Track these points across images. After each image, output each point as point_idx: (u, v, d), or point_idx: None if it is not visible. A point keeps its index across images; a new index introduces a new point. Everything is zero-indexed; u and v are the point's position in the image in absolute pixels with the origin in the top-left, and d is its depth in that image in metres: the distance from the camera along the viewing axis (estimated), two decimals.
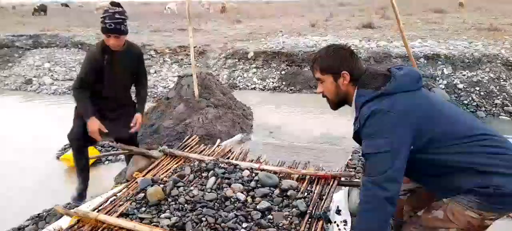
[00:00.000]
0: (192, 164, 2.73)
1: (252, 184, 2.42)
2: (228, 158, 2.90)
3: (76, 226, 2.10)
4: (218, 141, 3.40)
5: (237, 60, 8.88)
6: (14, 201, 3.40)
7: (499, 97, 6.27)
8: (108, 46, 2.88)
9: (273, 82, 8.01)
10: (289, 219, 2.09)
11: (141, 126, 3.34)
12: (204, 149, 3.12)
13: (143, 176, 2.66)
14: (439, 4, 18.30)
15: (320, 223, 2.09)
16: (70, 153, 4.28)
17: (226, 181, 2.45)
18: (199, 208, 2.13)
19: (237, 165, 2.69)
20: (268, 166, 2.74)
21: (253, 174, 2.54)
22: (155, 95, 7.67)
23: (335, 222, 2.29)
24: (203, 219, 2.03)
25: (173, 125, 4.91)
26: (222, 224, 2.00)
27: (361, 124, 1.56)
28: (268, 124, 5.69)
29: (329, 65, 1.67)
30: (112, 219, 2.08)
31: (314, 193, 2.39)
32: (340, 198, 2.58)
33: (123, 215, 2.16)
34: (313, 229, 2.04)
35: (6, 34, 11.15)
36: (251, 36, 10.95)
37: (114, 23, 2.79)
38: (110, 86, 3.03)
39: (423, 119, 1.51)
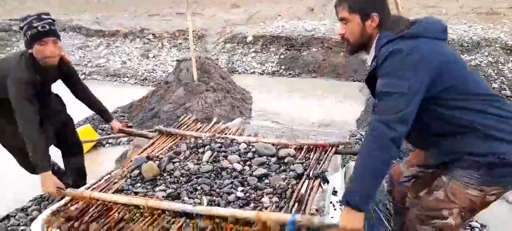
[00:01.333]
0: (188, 141, 2.68)
1: (249, 155, 2.37)
2: (225, 134, 2.85)
3: (69, 204, 2.07)
4: (214, 119, 3.39)
5: (236, 44, 8.85)
6: (16, 182, 3.46)
7: (497, 81, 6.30)
8: (36, 62, 2.34)
9: (272, 66, 8.01)
10: (286, 181, 2.07)
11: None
12: (200, 127, 3.07)
13: (139, 155, 2.61)
14: None
15: (318, 181, 2.07)
16: (84, 128, 4.30)
17: (223, 154, 2.40)
18: (195, 179, 2.11)
19: (234, 139, 2.64)
20: (265, 139, 2.71)
21: (250, 146, 2.50)
22: (154, 80, 7.68)
23: (331, 202, 2.33)
24: (198, 187, 2.02)
25: (173, 109, 4.95)
26: (218, 190, 1.99)
27: (380, 63, 1.48)
28: (267, 108, 5.73)
29: (361, 4, 1.57)
30: (106, 195, 2.04)
31: (311, 159, 2.38)
32: (336, 178, 2.62)
33: (117, 191, 2.13)
34: (310, 187, 2.01)
35: (3, 18, 11.06)
36: (250, 21, 10.89)
37: (47, 24, 2.28)
38: (44, 97, 2.57)
39: (443, 67, 1.45)
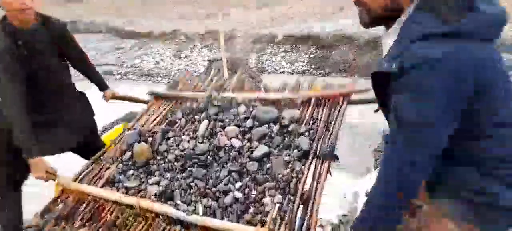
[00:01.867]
0: (183, 107, 2.40)
1: (249, 122, 2.05)
2: (224, 90, 2.48)
3: (59, 200, 2.00)
4: (213, 70, 3.10)
5: (265, 44, 8.92)
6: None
7: None
8: (13, 27, 2.05)
9: (302, 66, 8.01)
10: (289, 166, 1.78)
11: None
12: (197, 85, 2.69)
13: (132, 127, 2.37)
14: None
15: (326, 164, 1.75)
16: (109, 135, 4.46)
17: (220, 123, 2.12)
18: (189, 169, 1.89)
19: (233, 97, 2.29)
20: (267, 93, 2.36)
21: (251, 109, 2.15)
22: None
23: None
24: (192, 184, 1.82)
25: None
26: (213, 189, 1.77)
27: (404, 67, 1.03)
28: None
29: None
30: (96, 190, 1.94)
31: (320, 120, 2.01)
32: (365, 186, 2.56)
33: (109, 182, 2.00)
34: (317, 173, 1.73)
35: None
36: (279, 21, 10.93)
37: None
38: (47, 76, 2.22)
39: (482, 87, 1.05)
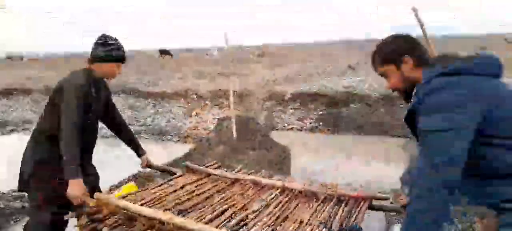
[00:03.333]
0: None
1: None
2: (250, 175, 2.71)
3: (95, 213, 2.09)
4: (240, 166, 3.27)
5: (275, 102, 9.06)
6: None
7: None
8: (95, 77, 2.42)
9: (310, 123, 8.05)
10: None
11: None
12: (227, 168, 3.00)
13: (165, 182, 2.61)
14: (483, 43, 17.73)
15: None
16: (119, 193, 4.50)
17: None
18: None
19: (259, 182, 2.52)
20: (292, 184, 2.54)
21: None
22: (196, 137, 7.95)
23: None
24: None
25: None
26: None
27: (421, 99, 1.37)
28: (306, 166, 5.69)
29: (388, 53, 1.57)
30: (132, 206, 2.01)
31: (343, 210, 2.18)
32: None
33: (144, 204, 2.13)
34: None
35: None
36: (289, 79, 11.18)
37: (123, 49, 2.47)
38: (91, 129, 2.49)
39: (495, 104, 1.30)
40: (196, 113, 9.31)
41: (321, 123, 7.95)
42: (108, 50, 2.40)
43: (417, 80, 1.48)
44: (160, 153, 6.29)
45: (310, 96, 8.73)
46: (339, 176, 5.06)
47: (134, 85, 11.50)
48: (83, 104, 2.29)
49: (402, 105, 7.54)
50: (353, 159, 5.97)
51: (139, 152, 2.92)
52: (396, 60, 1.55)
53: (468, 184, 1.43)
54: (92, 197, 2.37)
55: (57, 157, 2.23)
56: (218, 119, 6.18)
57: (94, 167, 2.67)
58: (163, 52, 27.91)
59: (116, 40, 2.46)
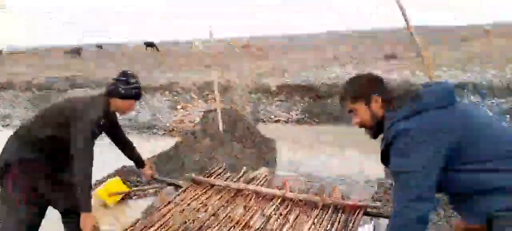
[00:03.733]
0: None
1: None
2: (252, 185, 2.94)
3: None
4: (244, 168, 3.44)
5: (260, 94, 9.05)
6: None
7: None
8: (109, 112, 2.50)
9: (296, 115, 8.08)
10: None
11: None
12: (229, 177, 3.17)
13: (171, 201, 2.74)
14: (464, 33, 18.05)
15: None
16: (104, 187, 4.45)
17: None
18: None
19: (260, 192, 2.75)
20: (292, 194, 2.74)
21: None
22: (182, 131, 7.88)
23: None
24: None
25: (199, 159, 5.03)
26: None
27: (388, 142, 1.51)
28: (292, 157, 5.71)
29: (358, 91, 1.66)
30: None
31: (339, 222, 2.38)
32: None
33: None
34: None
35: (46, 77, 11.91)
36: (274, 71, 11.17)
37: (141, 88, 2.56)
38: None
39: (457, 135, 1.42)
40: (181, 106, 9.22)
41: (307, 115, 7.98)
42: (128, 89, 2.46)
43: (384, 117, 1.61)
44: (146, 147, 6.20)
45: (295, 88, 8.74)
46: (325, 168, 5.10)
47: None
48: (93, 137, 2.33)
49: None
50: (339, 150, 6.03)
51: (139, 165, 2.98)
52: (366, 97, 1.64)
53: (455, 201, 1.59)
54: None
55: (44, 161, 2.32)
56: (203, 112, 6.13)
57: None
58: (148, 44, 27.50)
59: (136, 78, 2.54)
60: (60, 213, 2.59)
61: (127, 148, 2.93)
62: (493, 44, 12.87)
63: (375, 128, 1.68)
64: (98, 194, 4.28)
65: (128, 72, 2.53)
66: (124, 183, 4.72)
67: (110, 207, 4.36)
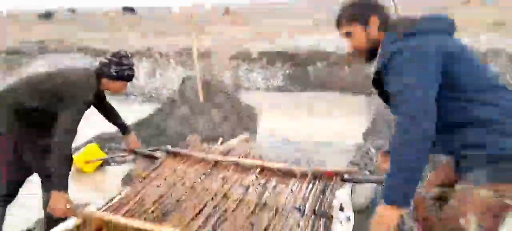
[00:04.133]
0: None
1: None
2: (230, 156, 2.92)
3: (81, 226, 2.12)
4: (220, 139, 3.43)
5: (241, 61, 8.91)
6: (20, 203, 3.45)
7: None
8: (98, 91, 2.49)
9: (277, 82, 8.03)
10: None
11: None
12: (206, 148, 3.14)
13: (147, 175, 2.69)
14: (443, 2, 18.17)
15: (323, 220, 2.10)
16: (81, 154, 4.34)
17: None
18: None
19: (239, 163, 2.73)
20: (271, 163, 2.75)
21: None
22: (161, 98, 7.73)
23: (338, 218, 2.30)
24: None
25: (178, 127, 4.96)
26: None
27: (386, 63, 1.50)
28: (273, 124, 5.71)
29: (356, 13, 1.64)
30: (117, 218, 2.10)
31: (316, 189, 2.40)
32: (343, 195, 2.58)
33: (128, 213, 2.21)
34: (316, 227, 2.05)
35: (16, 41, 11.32)
36: (255, 38, 10.99)
37: (134, 69, 2.55)
38: None
39: (452, 59, 1.46)
40: (159, 73, 9.00)
41: (288, 82, 7.95)
42: (121, 70, 2.45)
43: (379, 42, 1.61)
44: (122, 114, 6.05)
45: (276, 55, 8.65)
46: (305, 134, 5.13)
47: (91, 44, 10.87)
48: (80, 118, 2.31)
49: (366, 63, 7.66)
50: (318, 117, 6.06)
51: (123, 132, 3.00)
52: (363, 19, 1.62)
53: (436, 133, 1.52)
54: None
55: (20, 132, 2.33)
56: (182, 79, 5.99)
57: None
58: (127, 9, 26.58)
59: (130, 59, 2.52)
60: (41, 180, 2.63)
61: (111, 115, 2.94)
62: (473, 12, 13.02)
63: (369, 52, 1.67)
64: (75, 161, 4.18)
65: (122, 53, 2.49)
66: (102, 149, 4.62)
67: (88, 174, 4.29)
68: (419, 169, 1.41)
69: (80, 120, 2.29)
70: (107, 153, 4.66)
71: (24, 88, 2.35)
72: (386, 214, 1.44)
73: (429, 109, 1.38)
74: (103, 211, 2.25)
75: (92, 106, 2.70)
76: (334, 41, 8.93)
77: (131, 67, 2.50)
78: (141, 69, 9.08)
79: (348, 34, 1.68)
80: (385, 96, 1.63)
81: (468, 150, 1.48)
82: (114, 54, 2.47)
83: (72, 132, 2.24)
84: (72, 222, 2.25)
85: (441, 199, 1.77)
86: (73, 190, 3.64)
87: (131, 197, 2.42)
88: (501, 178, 1.42)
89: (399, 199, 1.42)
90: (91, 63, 9.79)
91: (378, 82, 1.61)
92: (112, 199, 2.42)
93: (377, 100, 6.46)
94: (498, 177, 1.42)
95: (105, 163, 4.51)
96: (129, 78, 2.51)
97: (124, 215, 2.18)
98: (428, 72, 1.41)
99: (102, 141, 5.05)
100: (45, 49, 10.80)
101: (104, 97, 2.82)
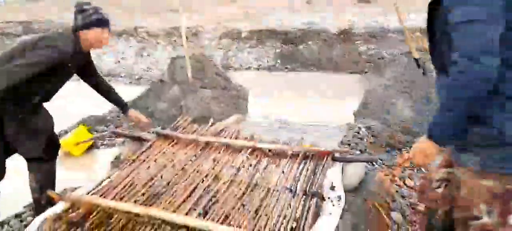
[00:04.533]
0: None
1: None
2: (221, 137, 2.90)
3: (70, 210, 2.10)
4: (211, 120, 3.39)
5: (231, 40, 8.77)
6: (10, 188, 3.40)
7: None
8: (80, 45, 2.43)
9: (268, 62, 7.95)
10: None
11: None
12: (196, 129, 3.10)
13: (136, 158, 2.65)
14: None
15: (314, 200, 2.10)
16: (69, 138, 4.28)
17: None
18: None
19: (230, 144, 2.71)
20: (262, 143, 2.73)
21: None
22: (149, 79, 7.61)
23: (329, 198, 2.30)
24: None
25: (168, 108, 4.89)
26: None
27: None
28: (264, 104, 5.67)
29: None
30: (106, 202, 2.09)
31: (308, 169, 2.40)
32: (334, 174, 2.58)
33: (117, 196, 2.19)
34: (307, 206, 2.04)
35: None
36: (245, 15, 10.81)
37: (102, 12, 2.47)
38: (48, 94, 2.52)
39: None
40: (147, 53, 8.83)
41: (279, 61, 7.87)
42: (87, 17, 2.40)
43: None
44: None
45: (267, 34, 8.52)
46: (297, 114, 5.10)
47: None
48: (47, 64, 2.25)
49: (358, 42, 7.62)
50: (310, 97, 6.04)
51: (122, 109, 2.95)
52: None
53: None
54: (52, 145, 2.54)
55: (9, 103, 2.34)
56: (171, 59, 5.87)
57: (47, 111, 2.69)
58: None
59: (91, 5, 2.45)
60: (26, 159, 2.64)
61: (103, 87, 2.88)
62: None
63: None
64: (63, 145, 4.12)
65: (82, 1, 2.44)
66: (90, 131, 4.56)
67: (77, 158, 4.23)
68: (470, 113, 1.33)
69: (44, 66, 2.23)
70: (93, 133, 4.60)
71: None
72: (425, 146, 1.45)
73: (491, 46, 1.24)
74: (92, 195, 2.23)
75: (82, 80, 2.76)
76: (326, 19, 8.83)
77: (96, 11, 2.44)
78: (128, 49, 8.90)
79: None
80: (431, 34, 1.52)
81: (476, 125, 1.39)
82: (75, 6, 2.45)
83: (27, 66, 2.17)
84: (60, 206, 2.23)
85: (448, 181, 1.72)
86: (62, 174, 3.63)
87: (120, 181, 2.39)
88: (491, 167, 1.39)
89: (441, 138, 1.42)
90: None
91: (431, 19, 1.47)
92: (101, 183, 2.40)
93: (369, 80, 6.44)
94: (489, 166, 1.39)
95: (94, 146, 4.45)
96: (99, 23, 2.44)
97: (113, 198, 2.17)
98: (492, 4, 1.24)
99: (92, 123, 4.97)
100: (30, 29, 10.49)
101: (91, 62, 2.77)
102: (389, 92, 4.93)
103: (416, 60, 5.11)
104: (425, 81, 4.90)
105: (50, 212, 2.30)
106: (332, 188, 2.42)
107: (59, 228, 2.01)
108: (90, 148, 4.39)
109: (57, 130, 4.77)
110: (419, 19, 8.05)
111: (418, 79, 4.86)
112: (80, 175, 3.85)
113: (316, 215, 2.08)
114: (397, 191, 2.94)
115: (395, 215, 2.57)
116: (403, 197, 2.92)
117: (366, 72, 6.95)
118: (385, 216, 2.47)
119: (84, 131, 4.39)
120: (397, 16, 4.78)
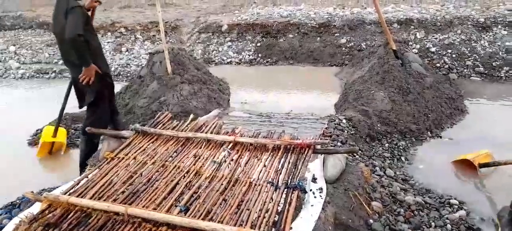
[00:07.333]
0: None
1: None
2: (202, 133, 2.87)
3: (47, 211, 2.05)
4: (191, 116, 3.35)
5: (211, 34, 8.68)
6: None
7: (470, 58, 6.41)
8: (84, 8, 3.11)
9: (249, 55, 7.91)
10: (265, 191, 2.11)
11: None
12: (177, 125, 3.06)
13: (115, 155, 2.59)
14: None
15: (296, 193, 2.11)
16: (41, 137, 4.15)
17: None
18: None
19: (211, 139, 2.69)
20: (243, 137, 2.71)
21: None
22: (128, 75, 7.46)
23: (311, 190, 2.31)
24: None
25: (147, 104, 4.80)
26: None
27: None
28: (245, 97, 5.66)
29: None
30: (84, 201, 2.04)
31: (289, 162, 2.39)
32: (315, 166, 2.60)
33: (95, 195, 2.15)
34: (288, 199, 2.05)
35: None
36: (225, 9, 10.72)
37: None
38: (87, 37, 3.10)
39: None
40: (126, 48, 8.64)
41: (259, 55, 7.85)
42: None
43: None
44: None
45: (247, 27, 8.47)
46: (277, 107, 5.11)
47: (47, 18, 10.25)
48: (83, 25, 3.00)
49: (337, 34, 7.67)
50: (291, 90, 6.05)
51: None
52: None
53: None
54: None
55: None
56: (150, 54, 5.76)
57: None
58: None
59: None
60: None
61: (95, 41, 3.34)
62: None
63: None
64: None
65: None
66: (68, 130, 4.45)
67: (53, 158, 4.12)
68: None
69: (83, 20, 2.98)
70: (73, 135, 4.48)
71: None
72: None
73: None
74: (69, 194, 2.18)
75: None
76: (305, 12, 8.85)
77: None
78: (105, 45, 8.68)
79: None
80: None
81: None
82: None
83: (78, 26, 2.88)
84: (36, 207, 2.17)
85: None
86: (37, 174, 3.52)
87: (98, 179, 2.34)
88: None
89: None
90: (53, 39, 9.26)
91: None
92: (78, 182, 2.35)
93: (348, 72, 6.49)
94: None
95: (70, 144, 4.34)
96: None
97: (91, 197, 2.12)
98: None
99: (68, 121, 4.85)
100: (1, 26, 10.11)
101: (90, 21, 3.32)
102: (368, 84, 5.00)
103: (394, 51, 5.19)
104: (403, 72, 4.99)
105: (26, 213, 2.23)
106: (314, 180, 2.44)
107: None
108: (68, 147, 4.29)
109: (32, 130, 4.67)
110: (396, 12, 8.17)
111: (396, 70, 4.95)
112: (57, 175, 3.76)
113: (298, 207, 2.09)
114: (377, 181, 2.99)
115: (375, 205, 2.61)
116: (383, 186, 2.97)
117: (345, 64, 7.01)
118: (366, 206, 2.51)
119: (51, 131, 4.21)
120: (375, 8, 4.83)
